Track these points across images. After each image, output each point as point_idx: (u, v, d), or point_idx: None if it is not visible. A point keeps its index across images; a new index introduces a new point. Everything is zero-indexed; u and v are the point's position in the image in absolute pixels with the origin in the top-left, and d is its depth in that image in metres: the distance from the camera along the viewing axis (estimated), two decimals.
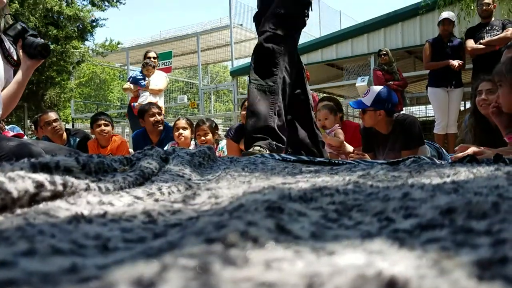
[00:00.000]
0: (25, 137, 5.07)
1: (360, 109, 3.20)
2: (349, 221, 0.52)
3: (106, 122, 4.50)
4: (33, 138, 6.15)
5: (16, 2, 10.11)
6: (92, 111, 21.87)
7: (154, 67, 5.99)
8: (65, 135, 4.53)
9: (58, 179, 0.74)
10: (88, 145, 4.54)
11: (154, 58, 6.18)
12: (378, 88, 3.33)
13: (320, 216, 0.53)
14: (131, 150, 4.94)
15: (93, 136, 4.75)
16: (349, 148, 3.63)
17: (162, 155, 1.34)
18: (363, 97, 3.26)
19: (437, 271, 0.31)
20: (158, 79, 6.02)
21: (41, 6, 10.85)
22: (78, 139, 4.60)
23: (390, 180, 0.88)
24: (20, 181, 0.66)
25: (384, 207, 0.54)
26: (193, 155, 1.40)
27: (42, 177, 0.71)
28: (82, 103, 25.70)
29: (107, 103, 27.28)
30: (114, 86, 31.01)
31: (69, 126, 14.49)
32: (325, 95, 10.32)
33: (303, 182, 0.88)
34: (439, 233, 0.42)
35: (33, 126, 5.98)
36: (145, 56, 6.25)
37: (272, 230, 0.41)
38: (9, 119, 11.38)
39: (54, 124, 4.42)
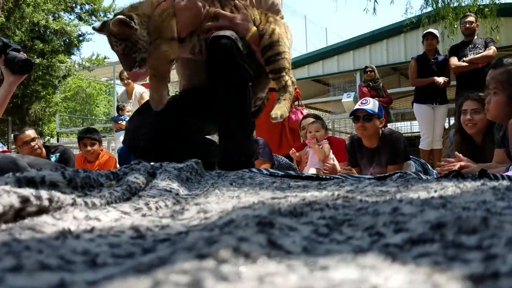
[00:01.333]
0: (11, 152, 4.93)
1: (361, 118, 3.19)
2: (340, 235, 0.51)
3: (92, 141, 4.43)
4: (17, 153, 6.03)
5: (2, 16, 10.04)
6: (78, 125, 21.68)
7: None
8: (44, 152, 4.32)
9: (44, 194, 0.73)
10: (75, 159, 4.47)
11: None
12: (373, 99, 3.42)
13: (311, 231, 0.53)
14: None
15: (77, 151, 4.68)
16: (338, 168, 3.61)
17: (149, 169, 1.33)
18: (361, 105, 3.27)
19: (430, 285, 0.31)
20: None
21: (27, 20, 10.78)
22: (58, 155, 4.46)
23: (379, 195, 0.88)
24: (5, 195, 0.65)
25: (374, 222, 0.54)
26: (180, 170, 1.39)
27: (27, 192, 0.70)
28: (67, 117, 25.48)
29: (93, 117, 27.08)
30: (100, 101, 30.85)
31: (54, 140, 14.30)
32: (311, 110, 10.38)
33: (292, 197, 0.88)
34: (430, 248, 0.42)
35: None
36: (121, 73, 6.26)
37: (264, 245, 0.41)
38: None
39: (32, 143, 4.20)
